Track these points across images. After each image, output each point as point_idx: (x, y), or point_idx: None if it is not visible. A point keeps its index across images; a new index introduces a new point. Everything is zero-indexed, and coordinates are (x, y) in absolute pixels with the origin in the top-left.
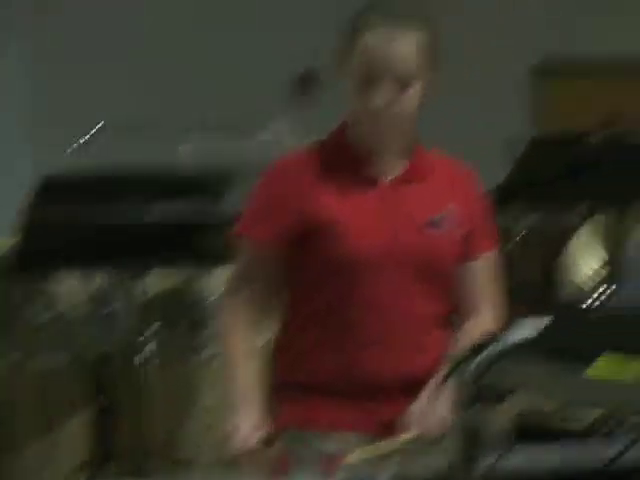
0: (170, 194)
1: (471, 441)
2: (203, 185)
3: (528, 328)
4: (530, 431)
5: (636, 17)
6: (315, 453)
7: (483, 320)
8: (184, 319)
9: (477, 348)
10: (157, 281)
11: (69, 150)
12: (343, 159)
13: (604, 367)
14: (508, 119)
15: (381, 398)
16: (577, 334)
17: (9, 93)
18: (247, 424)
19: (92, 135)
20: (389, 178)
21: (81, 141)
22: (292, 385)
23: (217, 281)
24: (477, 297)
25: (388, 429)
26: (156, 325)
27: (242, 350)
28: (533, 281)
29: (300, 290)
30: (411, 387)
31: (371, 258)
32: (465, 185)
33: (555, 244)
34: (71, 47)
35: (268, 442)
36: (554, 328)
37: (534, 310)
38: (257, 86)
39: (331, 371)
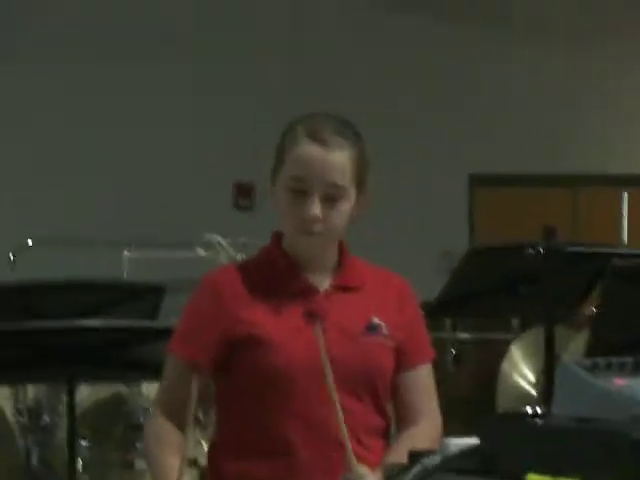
0: (107, 304)
1: None
2: (138, 296)
3: (460, 444)
4: None
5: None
6: None
7: (422, 430)
8: (116, 432)
9: (412, 461)
10: (89, 394)
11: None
12: (274, 272)
13: None
14: (446, 229)
15: None
16: (508, 450)
17: None
18: None
19: (25, 247)
20: (321, 289)
21: (11, 256)
22: None
23: (150, 394)
24: (415, 407)
25: None
26: (88, 439)
27: (165, 463)
28: (467, 396)
29: (230, 407)
30: None
31: (303, 371)
32: (398, 295)
33: (489, 360)
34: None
35: None
36: (486, 443)
37: (467, 425)
38: (194, 198)
39: None
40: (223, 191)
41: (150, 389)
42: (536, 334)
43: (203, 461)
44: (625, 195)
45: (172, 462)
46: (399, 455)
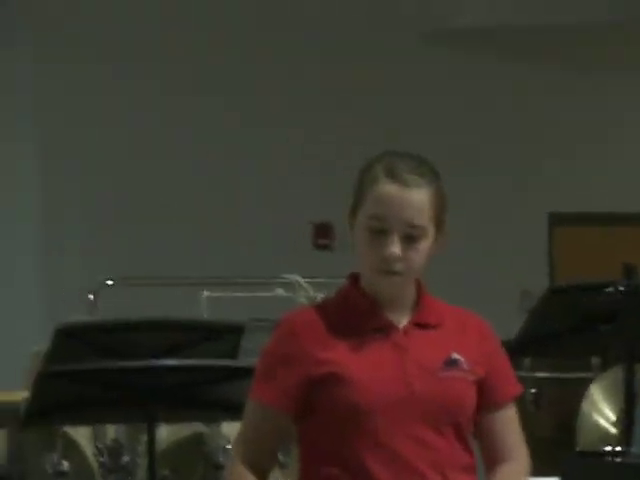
0: (188, 344)
1: None
2: (218, 335)
3: None
4: None
5: None
6: None
7: (516, 469)
8: (196, 472)
9: None
10: (169, 434)
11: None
12: (353, 311)
13: None
14: (526, 269)
15: None
16: None
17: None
18: None
19: (105, 287)
20: (400, 326)
21: (91, 296)
22: None
23: (230, 433)
24: (507, 446)
25: None
26: (167, 479)
27: None
28: (548, 436)
29: (313, 446)
30: None
31: (384, 409)
32: (477, 332)
33: (569, 399)
34: (87, 202)
35: None
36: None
37: (549, 465)
38: (273, 237)
39: None
40: (303, 230)
41: (230, 429)
42: (616, 373)
43: None
44: None
45: None
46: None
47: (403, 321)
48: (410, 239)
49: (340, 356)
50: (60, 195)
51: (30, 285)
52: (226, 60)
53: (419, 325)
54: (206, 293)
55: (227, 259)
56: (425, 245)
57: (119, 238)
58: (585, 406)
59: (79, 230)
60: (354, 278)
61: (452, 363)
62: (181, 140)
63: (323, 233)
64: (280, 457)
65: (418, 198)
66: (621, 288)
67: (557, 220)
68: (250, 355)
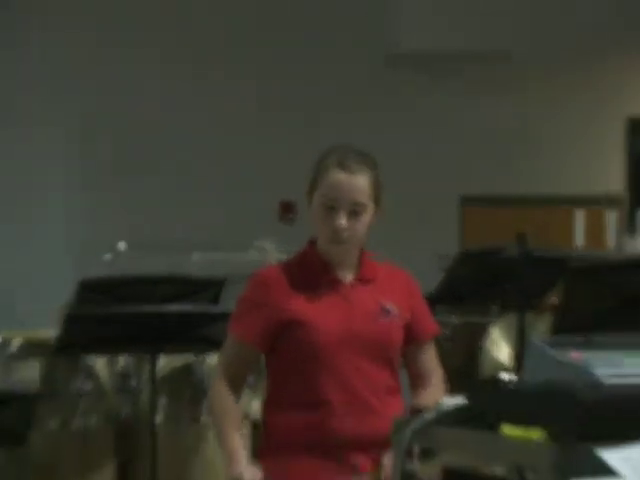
0: (185, 294)
1: None
2: (206, 287)
3: (453, 402)
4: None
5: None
6: None
7: (430, 392)
8: (187, 394)
9: (414, 415)
10: (166, 363)
11: (103, 259)
12: (311, 269)
13: (512, 432)
14: (440, 239)
15: (344, 454)
16: (491, 407)
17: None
18: (240, 466)
19: (117, 250)
20: (346, 280)
21: (108, 255)
22: (275, 446)
23: (212, 363)
24: (428, 373)
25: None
26: (165, 398)
27: (227, 416)
28: (458, 367)
29: (279, 372)
30: (367, 445)
31: (335, 343)
32: (404, 284)
33: (475, 338)
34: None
35: None
36: (474, 402)
37: (458, 390)
38: (249, 212)
39: (305, 434)
40: (272, 207)
41: (213, 359)
42: (511, 318)
43: (253, 415)
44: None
45: (229, 419)
46: (424, 402)
47: (349, 277)
48: (354, 214)
49: (300, 305)
50: (85, 165)
51: (60, 248)
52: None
53: (361, 280)
54: (196, 255)
55: (212, 228)
56: (366, 218)
57: (130, 206)
58: (486, 344)
59: (102, 200)
60: (311, 243)
61: (385, 310)
62: (176, 107)
63: (287, 209)
64: (250, 379)
65: (361, 182)
66: (515, 251)
67: (465, 201)
68: (228, 303)
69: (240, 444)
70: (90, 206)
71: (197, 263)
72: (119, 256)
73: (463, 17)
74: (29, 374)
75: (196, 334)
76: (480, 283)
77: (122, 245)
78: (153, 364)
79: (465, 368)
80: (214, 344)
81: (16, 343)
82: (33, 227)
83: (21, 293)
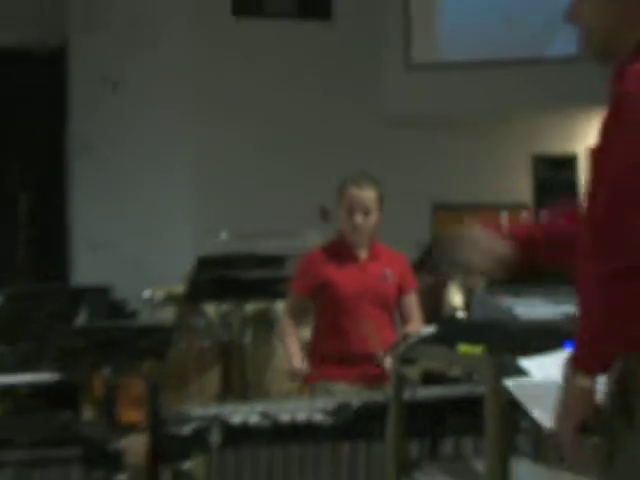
0: (262, 266)
1: (401, 383)
2: (276, 261)
3: (427, 331)
4: (430, 378)
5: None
6: (329, 392)
7: (413, 325)
8: (263, 326)
9: (404, 339)
10: (251, 307)
11: (214, 242)
12: (340, 249)
13: (465, 348)
14: (419, 233)
15: (359, 363)
16: (451, 333)
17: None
18: (295, 362)
19: (220, 236)
20: (362, 258)
21: (222, 236)
22: (316, 357)
23: (281, 307)
24: (410, 313)
25: (366, 379)
26: (249, 329)
27: (289, 334)
28: (429, 307)
29: (320, 315)
30: (372, 357)
31: (353, 296)
32: (397, 259)
33: (440, 291)
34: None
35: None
36: (440, 330)
37: (430, 323)
38: (302, 213)
39: (336, 350)
40: (315, 209)
41: (279, 305)
42: (461, 277)
43: (303, 339)
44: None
45: (290, 338)
46: (410, 330)
47: (363, 255)
48: (366, 215)
49: (332, 272)
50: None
51: (185, 229)
52: None
53: (371, 257)
54: (266, 240)
55: (277, 221)
56: (373, 219)
57: (227, 205)
58: (447, 295)
59: (211, 201)
60: (340, 234)
61: (385, 276)
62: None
63: (324, 212)
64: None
65: (369, 195)
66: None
67: (435, 207)
68: (289, 270)
69: (297, 351)
70: (204, 206)
71: (271, 245)
72: (221, 241)
73: None
74: (167, 314)
75: (269, 289)
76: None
77: (224, 234)
78: (242, 309)
79: (434, 310)
80: (282, 296)
81: (159, 295)
82: (162, 216)
83: (162, 262)
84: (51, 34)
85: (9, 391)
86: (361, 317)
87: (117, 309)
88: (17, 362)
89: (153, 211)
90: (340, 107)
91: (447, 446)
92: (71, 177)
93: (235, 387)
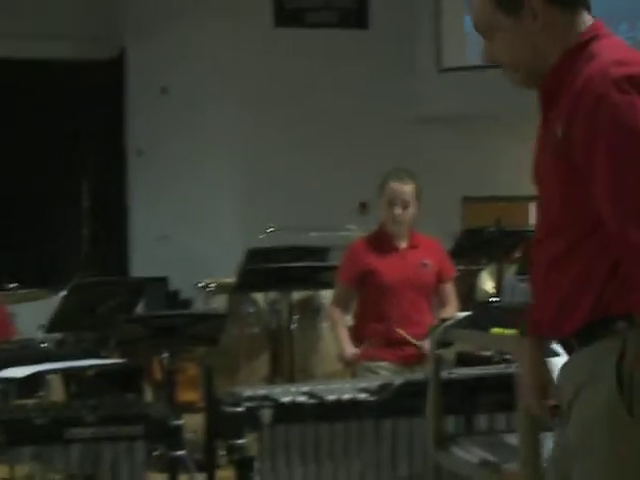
0: (307, 257)
1: (438, 363)
2: (319, 252)
3: (463, 315)
4: (465, 359)
5: None
6: (372, 372)
7: (450, 310)
8: (310, 313)
9: (442, 322)
10: (297, 295)
11: (261, 235)
12: (381, 240)
13: (497, 331)
14: (451, 223)
15: (401, 345)
16: (485, 317)
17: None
18: (347, 349)
19: (270, 231)
20: (402, 247)
21: (266, 233)
22: (362, 340)
23: (327, 296)
24: (447, 299)
25: (407, 360)
26: (298, 317)
27: (339, 323)
28: (464, 294)
29: (363, 301)
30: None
31: (395, 285)
32: (436, 248)
33: (472, 277)
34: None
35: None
36: (474, 315)
37: (465, 308)
38: (343, 207)
39: (379, 333)
40: (355, 204)
41: (325, 293)
42: (493, 266)
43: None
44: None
45: (340, 327)
46: (447, 315)
47: (403, 245)
48: (405, 207)
49: (374, 261)
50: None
51: (234, 224)
52: None
53: (410, 247)
54: (312, 233)
55: (322, 216)
56: (412, 210)
57: (274, 203)
58: (479, 281)
59: (258, 201)
60: (382, 225)
61: (424, 264)
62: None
63: (363, 206)
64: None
65: (408, 188)
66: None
67: (465, 200)
68: (334, 261)
69: (347, 338)
70: (252, 203)
71: (314, 238)
72: (268, 234)
73: None
74: (219, 303)
75: (319, 278)
76: (477, 247)
77: (271, 229)
78: (289, 297)
79: (466, 295)
80: (326, 284)
81: (212, 285)
82: (213, 213)
83: (214, 255)
84: (108, 46)
85: (77, 375)
86: (401, 305)
87: (173, 299)
88: (85, 349)
89: (205, 208)
90: (377, 109)
91: (481, 421)
92: (129, 178)
93: (283, 370)
